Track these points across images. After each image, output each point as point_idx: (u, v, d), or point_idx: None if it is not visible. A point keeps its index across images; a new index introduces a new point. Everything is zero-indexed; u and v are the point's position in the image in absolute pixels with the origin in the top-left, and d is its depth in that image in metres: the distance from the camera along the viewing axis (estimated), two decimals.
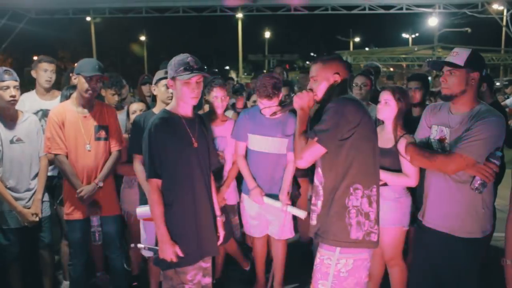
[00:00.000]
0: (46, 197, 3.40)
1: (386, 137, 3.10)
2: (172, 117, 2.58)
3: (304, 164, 2.33)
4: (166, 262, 2.52)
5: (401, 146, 2.94)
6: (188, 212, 2.55)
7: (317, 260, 2.34)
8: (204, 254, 2.65)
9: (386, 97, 3.06)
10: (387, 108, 3.06)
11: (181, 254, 2.49)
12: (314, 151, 2.26)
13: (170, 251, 2.48)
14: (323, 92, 2.36)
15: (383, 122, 3.16)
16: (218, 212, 2.79)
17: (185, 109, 2.61)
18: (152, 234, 2.81)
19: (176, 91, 2.57)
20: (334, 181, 2.28)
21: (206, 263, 2.71)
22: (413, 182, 2.96)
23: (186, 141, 2.57)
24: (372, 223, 2.28)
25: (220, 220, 2.78)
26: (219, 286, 3.80)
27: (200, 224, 2.59)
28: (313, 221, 2.39)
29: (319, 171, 2.37)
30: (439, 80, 2.67)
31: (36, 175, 3.32)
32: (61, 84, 4.15)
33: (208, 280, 2.73)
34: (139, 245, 2.87)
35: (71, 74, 4.10)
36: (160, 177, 2.51)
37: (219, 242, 2.76)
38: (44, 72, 3.87)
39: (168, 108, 2.64)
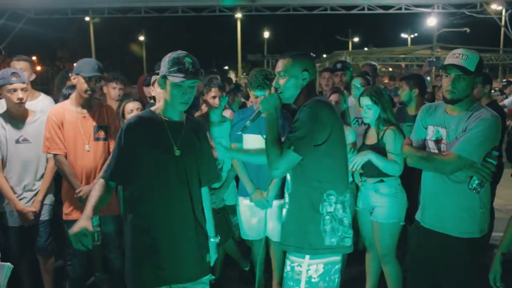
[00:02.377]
0: (49, 201, 3.38)
1: (372, 135, 3.27)
2: (153, 119, 2.28)
3: (280, 174, 2.26)
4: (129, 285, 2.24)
5: (386, 137, 3.11)
6: (157, 230, 2.22)
7: (287, 268, 2.26)
8: (172, 281, 2.26)
9: (366, 103, 3.21)
10: (369, 112, 3.21)
11: (90, 229, 2.08)
12: (291, 160, 2.14)
13: (77, 225, 2.08)
14: (291, 90, 2.24)
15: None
16: (212, 233, 2.50)
17: (171, 112, 2.31)
18: None
19: (165, 91, 2.28)
20: (306, 188, 2.20)
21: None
22: (400, 169, 3.08)
23: (164, 148, 2.25)
24: (346, 228, 2.23)
25: (213, 243, 2.49)
26: (219, 286, 3.80)
27: (173, 246, 2.24)
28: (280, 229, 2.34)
29: (288, 178, 2.29)
30: (441, 79, 2.65)
31: (43, 175, 3.31)
32: (55, 84, 4.13)
33: None
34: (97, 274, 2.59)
35: (70, 74, 4.09)
36: (121, 183, 2.26)
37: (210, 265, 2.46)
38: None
39: (153, 108, 2.37)
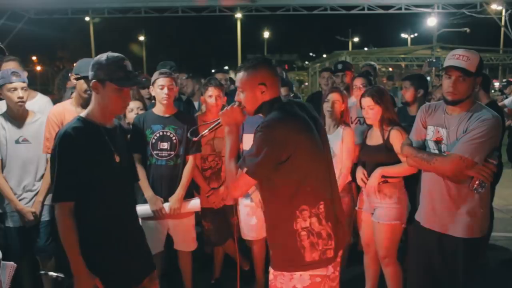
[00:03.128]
0: (49, 201, 3.35)
1: (376, 135, 3.20)
2: (89, 126, 2.16)
3: (239, 195, 2.19)
4: None
5: (393, 137, 3.06)
6: (113, 237, 2.18)
7: (270, 276, 2.18)
8: (135, 282, 2.28)
9: (368, 103, 3.16)
10: (371, 112, 3.16)
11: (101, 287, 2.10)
12: (246, 183, 2.06)
13: (88, 286, 2.07)
14: (252, 104, 2.13)
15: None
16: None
17: (106, 118, 2.23)
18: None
19: (100, 95, 2.18)
20: (277, 206, 2.09)
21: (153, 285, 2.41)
22: (414, 168, 2.94)
23: (106, 155, 2.18)
24: (325, 241, 2.07)
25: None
26: (219, 286, 3.80)
27: (129, 249, 2.24)
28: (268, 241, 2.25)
29: (259, 196, 2.24)
30: (441, 80, 2.65)
31: (43, 176, 3.31)
32: (56, 84, 4.11)
33: None
34: (50, 273, 2.56)
35: (70, 74, 4.09)
36: (73, 199, 2.08)
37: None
38: None
39: (83, 115, 2.23)
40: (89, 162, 2.10)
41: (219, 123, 2.22)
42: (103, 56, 2.18)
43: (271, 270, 2.17)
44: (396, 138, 3.05)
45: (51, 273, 2.60)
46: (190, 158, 3.34)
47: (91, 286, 2.07)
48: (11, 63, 3.77)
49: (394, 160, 3.08)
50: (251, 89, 2.10)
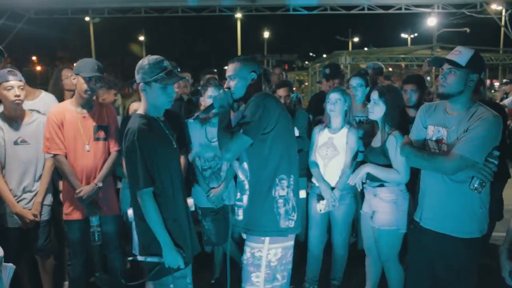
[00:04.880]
0: (48, 201, 3.37)
1: (378, 136, 3.16)
2: (151, 121, 2.47)
3: (231, 156, 2.44)
4: (165, 269, 2.42)
5: (389, 142, 2.99)
6: (179, 214, 2.51)
7: (247, 255, 2.46)
8: (195, 252, 2.64)
9: (374, 97, 3.11)
10: (376, 107, 3.10)
11: (184, 256, 2.44)
12: (241, 143, 2.37)
13: (177, 258, 2.40)
14: (242, 90, 2.51)
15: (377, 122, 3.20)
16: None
17: (158, 112, 2.56)
18: None
19: (148, 95, 2.45)
20: (260, 174, 2.42)
21: None
22: (403, 178, 2.98)
23: (168, 143, 2.56)
24: (291, 211, 2.45)
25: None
26: (219, 286, 3.80)
27: (188, 225, 2.59)
28: (240, 217, 2.52)
29: (244, 166, 2.50)
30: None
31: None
32: (50, 88, 4.11)
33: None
34: (139, 258, 2.61)
35: (70, 74, 4.08)
36: (154, 184, 2.39)
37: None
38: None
39: (140, 112, 2.51)
40: (161, 150, 2.44)
41: (212, 105, 2.58)
42: (144, 61, 2.44)
43: (247, 248, 2.47)
44: (391, 144, 2.99)
45: (139, 257, 2.62)
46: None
47: (180, 258, 2.40)
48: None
49: (388, 164, 3.04)
50: (244, 77, 2.50)
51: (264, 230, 2.42)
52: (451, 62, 2.41)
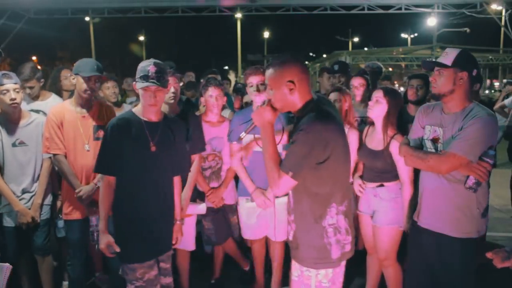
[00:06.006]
0: (47, 201, 3.37)
1: (377, 138, 3.13)
2: (133, 119, 2.61)
3: (281, 194, 2.23)
4: (119, 256, 2.63)
5: (394, 147, 2.96)
6: (139, 213, 2.60)
7: (297, 272, 2.24)
8: (155, 255, 2.70)
9: (377, 95, 3.09)
10: (377, 106, 3.08)
11: (117, 249, 2.57)
12: (289, 184, 2.09)
13: (104, 241, 2.59)
14: (281, 102, 2.13)
15: (373, 123, 3.19)
16: (178, 217, 2.83)
17: (149, 113, 2.62)
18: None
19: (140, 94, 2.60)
20: (308, 203, 2.15)
21: (166, 264, 2.80)
22: (407, 189, 2.97)
23: (142, 144, 2.58)
24: (344, 236, 2.19)
25: (178, 224, 2.83)
26: (219, 286, 3.80)
27: (151, 227, 2.63)
28: (290, 237, 2.30)
29: (290, 193, 2.25)
30: None
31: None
32: (47, 87, 4.10)
33: (169, 280, 2.83)
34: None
35: (69, 75, 4.08)
36: (112, 174, 2.59)
37: (175, 244, 2.84)
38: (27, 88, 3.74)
39: (134, 109, 2.69)
40: (126, 146, 2.54)
41: (252, 123, 2.23)
42: (141, 63, 2.60)
43: (296, 265, 2.24)
44: (395, 148, 2.95)
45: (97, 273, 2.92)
46: (196, 158, 3.34)
47: (106, 242, 2.59)
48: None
49: (391, 168, 3.03)
50: (279, 87, 2.10)
51: (314, 262, 2.18)
52: (438, 64, 2.47)
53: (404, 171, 2.95)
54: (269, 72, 2.13)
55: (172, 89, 3.23)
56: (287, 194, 2.31)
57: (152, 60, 2.57)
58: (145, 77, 2.50)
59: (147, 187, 2.60)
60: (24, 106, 3.63)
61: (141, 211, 2.60)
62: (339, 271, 2.26)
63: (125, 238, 2.61)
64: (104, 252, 2.64)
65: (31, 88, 3.73)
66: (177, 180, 2.83)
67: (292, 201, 2.24)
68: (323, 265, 2.17)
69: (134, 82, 2.59)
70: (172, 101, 3.26)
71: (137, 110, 2.66)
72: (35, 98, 3.82)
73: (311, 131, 2.01)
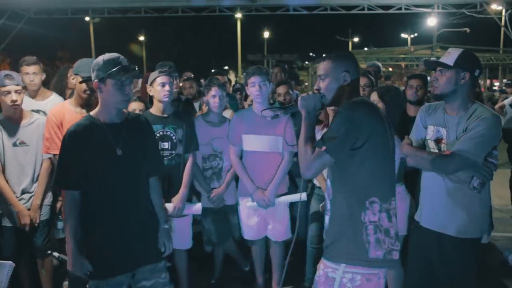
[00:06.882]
0: (47, 201, 3.36)
1: None
2: (92, 124, 2.37)
3: (311, 175, 2.15)
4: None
5: None
6: (108, 226, 2.35)
7: (320, 272, 2.13)
8: (127, 268, 2.42)
9: (373, 98, 3.09)
10: None
11: (90, 269, 2.33)
12: (323, 162, 2.04)
13: (79, 267, 2.31)
14: (332, 93, 2.14)
15: None
16: (162, 222, 2.59)
17: (110, 114, 2.38)
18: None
19: (102, 94, 2.34)
20: (346, 194, 2.06)
21: (148, 281, 2.47)
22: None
23: (106, 149, 2.35)
24: (393, 240, 2.06)
25: (164, 230, 2.58)
26: (219, 286, 3.80)
27: (123, 238, 2.37)
28: (326, 228, 2.21)
29: (328, 183, 2.19)
30: None
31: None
32: (52, 84, 4.11)
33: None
34: (54, 253, 2.71)
35: (69, 75, 4.08)
36: (74, 188, 2.33)
37: (165, 253, 2.57)
38: (26, 75, 3.74)
39: (92, 113, 2.43)
40: (88, 155, 2.32)
41: (293, 105, 2.27)
42: (99, 58, 2.36)
43: (325, 262, 2.12)
44: None
45: (55, 253, 2.76)
46: (190, 157, 3.35)
47: (81, 267, 2.31)
48: (32, 67, 3.75)
49: None
50: (336, 78, 2.12)
51: (350, 258, 2.04)
52: (440, 64, 2.46)
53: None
54: (325, 63, 2.15)
55: (166, 87, 3.23)
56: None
57: (115, 53, 2.39)
58: (125, 68, 2.33)
59: (118, 195, 2.36)
60: (24, 108, 3.64)
61: (113, 223, 2.36)
62: (372, 282, 2.05)
63: (93, 251, 2.34)
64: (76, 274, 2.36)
65: (35, 74, 3.72)
66: (154, 181, 2.59)
67: (330, 191, 2.17)
68: (356, 262, 2.02)
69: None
70: (167, 99, 3.26)
71: (94, 113, 2.42)
72: (36, 96, 3.82)
73: (347, 112, 2.02)
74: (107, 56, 2.35)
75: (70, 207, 2.34)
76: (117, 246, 2.37)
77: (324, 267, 2.11)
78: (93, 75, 2.35)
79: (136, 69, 2.39)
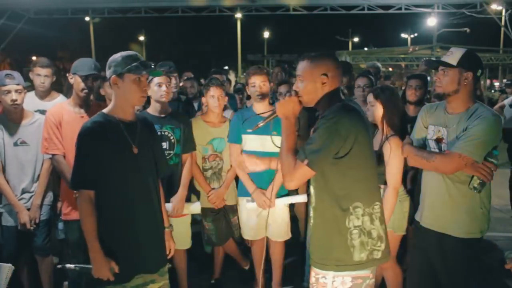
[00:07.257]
0: (47, 201, 3.36)
1: (377, 139, 3.07)
2: (108, 121, 2.30)
3: (294, 186, 2.13)
4: (99, 281, 2.26)
5: (386, 148, 2.90)
6: (125, 225, 2.29)
7: (312, 279, 2.14)
8: (143, 271, 2.35)
9: (369, 99, 3.07)
10: (372, 110, 3.04)
11: (117, 271, 2.25)
12: (304, 174, 2.02)
13: (106, 269, 2.22)
14: (310, 95, 2.08)
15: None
16: (166, 223, 2.56)
17: (126, 112, 2.34)
18: None
19: (119, 90, 2.30)
20: (330, 201, 2.05)
21: (157, 283, 2.43)
22: (390, 194, 2.85)
23: (123, 148, 2.30)
24: (374, 241, 2.06)
25: (168, 232, 2.58)
26: (219, 286, 3.80)
27: (140, 238, 2.32)
28: (309, 237, 2.23)
29: (311, 190, 2.17)
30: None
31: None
32: (65, 86, 4.11)
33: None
34: (67, 265, 2.51)
35: (67, 74, 4.08)
36: (92, 188, 2.25)
37: (169, 255, 2.56)
38: (37, 76, 3.75)
39: (105, 110, 2.37)
40: (106, 153, 2.25)
41: (274, 113, 2.19)
42: (117, 55, 2.32)
43: (312, 272, 2.13)
44: (386, 149, 2.88)
45: (68, 265, 2.57)
46: (188, 157, 3.35)
47: (108, 269, 2.22)
48: (37, 69, 3.71)
49: (380, 171, 2.82)
50: (312, 79, 2.06)
51: (337, 265, 2.04)
52: (443, 64, 2.45)
53: (392, 175, 2.85)
54: (304, 63, 2.09)
55: (163, 87, 3.23)
56: (296, 190, 2.25)
57: (134, 51, 2.39)
58: (144, 63, 2.31)
59: (135, 194, 2.31)
60: (31, 107, 3.61)
61: (130, 224, 2.30)
62: (361, 282, 2.06)
63: (112, 256, 2.26)
64: (104, 279, 2.24)
65: (46, 77, 3.72)
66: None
67: (313, 198, 2.15)
68: (343, 268, 2.04)
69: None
70: (164, 99, 3.26)
71: (108, 110, 2.36)
72: (44, 97, 3.83)
73: (333, 120, 1.97)
74: (125, 53, 2.33)
75: (87, 207, 2.24)
76: (133, 249, 2.30)
77: (315, 274, 2.13)
78: (109, 72, 2.30)
79: (153, 66, 2.38)
